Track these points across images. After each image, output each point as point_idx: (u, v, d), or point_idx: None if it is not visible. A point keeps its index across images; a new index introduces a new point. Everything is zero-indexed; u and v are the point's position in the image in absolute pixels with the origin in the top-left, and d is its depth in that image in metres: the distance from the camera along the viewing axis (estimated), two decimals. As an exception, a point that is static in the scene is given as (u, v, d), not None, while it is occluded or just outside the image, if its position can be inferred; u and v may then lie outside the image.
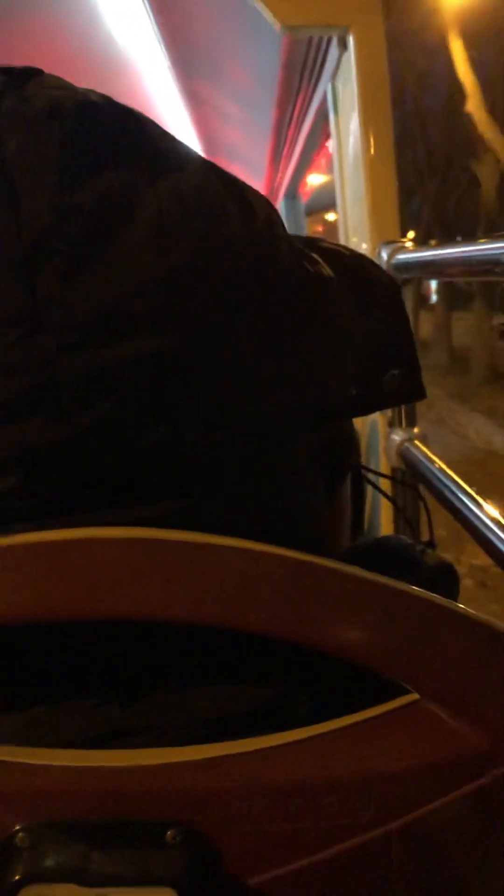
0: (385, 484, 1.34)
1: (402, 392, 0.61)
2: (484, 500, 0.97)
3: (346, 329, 0.55)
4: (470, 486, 1.02)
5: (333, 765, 0.39)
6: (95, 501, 0.42)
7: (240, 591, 0.39)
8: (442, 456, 1.18)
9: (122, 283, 0.42)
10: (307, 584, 0.40)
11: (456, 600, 0.63)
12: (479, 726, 0.40)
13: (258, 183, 4.21)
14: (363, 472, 0.82)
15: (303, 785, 0.38)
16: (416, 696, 0.41)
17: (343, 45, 1.49)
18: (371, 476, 0.98)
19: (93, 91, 0.46)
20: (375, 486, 0.93)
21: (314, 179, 3.88)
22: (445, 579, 0.63)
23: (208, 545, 0.39)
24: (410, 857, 0.38)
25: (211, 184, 0.47)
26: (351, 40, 1.45)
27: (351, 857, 0.38)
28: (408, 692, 0.41)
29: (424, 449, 1.25)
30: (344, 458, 0.66)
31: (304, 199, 4.17)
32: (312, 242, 0.58)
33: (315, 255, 0.54)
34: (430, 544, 0.69)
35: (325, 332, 0.52)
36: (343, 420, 0.70)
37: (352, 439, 0.73)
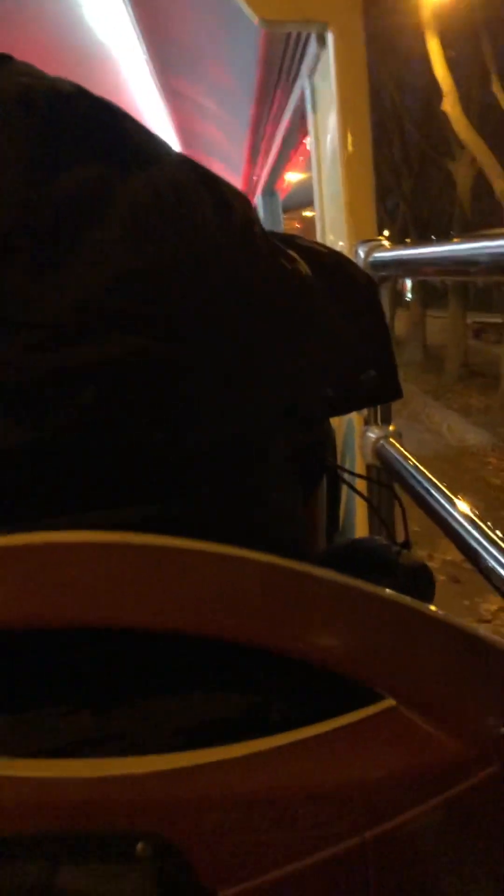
0: (361, 481, 1.34)
1: (378, 392, 0.60)
2: (456, 496, 0.97)
3: (323, 328, 0.54)
4: (443, 483, 1.02)
5: (308, 774, 0.38)
6: (65, 505, 0.40)
7: (213, 598, 0.38)
8: (416, 453, 1.18)
9: (94, 281, 0.40)
10: (282, 589, 0.39)
11: (432, 601, 0.62)
12: (457, 733, 0.40)
13: (236, 179, 4.19)
14: (338, 472, 0.82)
15: (277, 795, 0.37)
16: (392, 702, 0.40)
17: (322, 42, 1.48)
18: (346, 476, 0.98)
19: (65, 80, 0.45)
20: (351, 487, 0.93)
21: (292, 177, 3.87)
22: (421, 581, 0.62)
23: (180, 550, 0.38)
24: (386, 866, 0.38)
25: (187, 179, 0.46)
26: (330, 37, 1.44)
27: (326, 867, 0.37)
28: (385, 698, 0.40)
29: (399, 446, 1.25)
30: (320, 460, 0.65)
31: (281, 196, 4.16)
32: (290, 239, 0.57)
33: (292, 253, 0.53)
34: (406, 545, 0.69)
35: (302, 331, 0.52)
36: (319, 421, 0.70)
37: (327, 441, 0.72)
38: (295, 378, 0.51)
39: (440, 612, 0.42)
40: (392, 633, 0.41)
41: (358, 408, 0.64)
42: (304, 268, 0.53)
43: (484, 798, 0.39)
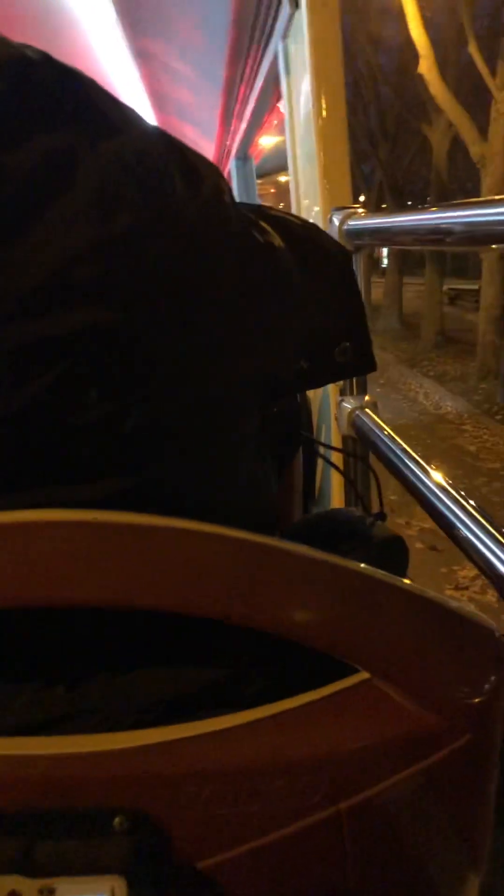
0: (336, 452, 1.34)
1: (353, 364, 0.60)
2: (430, 466, 0.97)
3: (296, 301, 0.54)
4: (419, 451, 1.02)
5: (283, 747, 0.39)
6: (35, 480, 0.40)
7: (184, 575, 0.38)
8: (393, 421, 1.18)
9: (61, 252, 0.40)
10: (252, 564, 0.39)
11: (405, 572, 0.63)
12: (429, 704, 0.40)
13: (209, 143, 4.12)
14: (314, 444, 0.81)
15: (252, 768, 0.38)
16: (366, 675, 0.41)
17: (294, 3, 1.45)
18: (322, 447, 0.98)
19: (29, 46, 0.44)
20: (326, 460, 0.93)
21: (266, 140, 3.81)
22: (395, 552, 0.63)
23: (151, 527, 0.38)
24: (362, 835, 0.38)
25: (156, 148, 0.45)
26: (302, -3, 1.41)
27: (302, 837, 0.38)
28: (359, 671, 0.41)
29: (375, 417, 1.25)
30: (294, 433, 0.65)
31: (255, 160, 4.10)
32: (262, 210, 0.56)
33: (264, 224, 0.52)
34: (381, 516, 0.69)
35: (274, 304, 0.51)
36: (292, 394, 0.70)
37: (302, 413, 0.72)
38: (266, 351, 0.50)
39: (412, 585, 0.43)
40: (364, 606, 0.41)
41: (333, 380, 0.64)
42: (276, 240, 0.52)
43: (455, 768, 0.40)
